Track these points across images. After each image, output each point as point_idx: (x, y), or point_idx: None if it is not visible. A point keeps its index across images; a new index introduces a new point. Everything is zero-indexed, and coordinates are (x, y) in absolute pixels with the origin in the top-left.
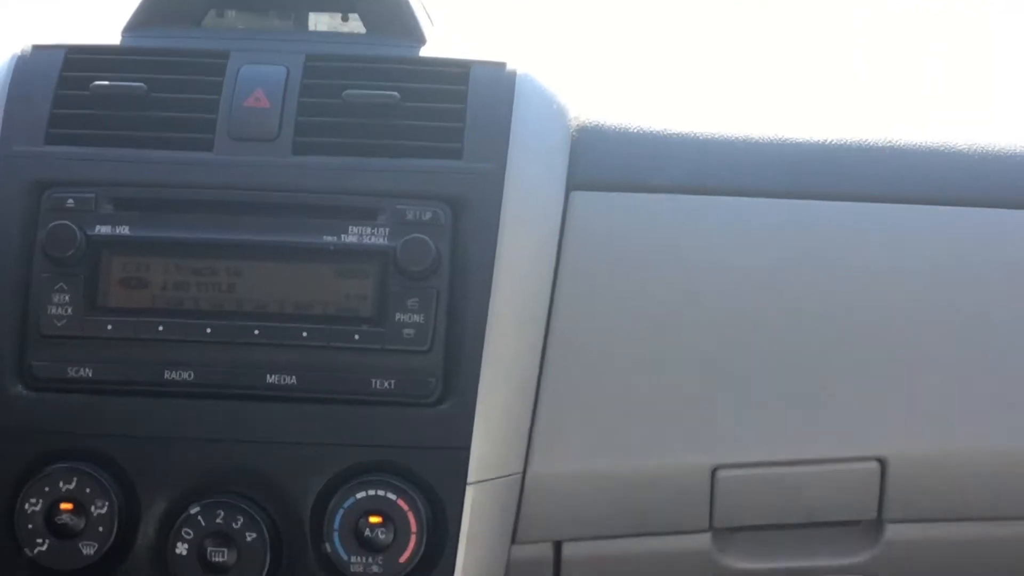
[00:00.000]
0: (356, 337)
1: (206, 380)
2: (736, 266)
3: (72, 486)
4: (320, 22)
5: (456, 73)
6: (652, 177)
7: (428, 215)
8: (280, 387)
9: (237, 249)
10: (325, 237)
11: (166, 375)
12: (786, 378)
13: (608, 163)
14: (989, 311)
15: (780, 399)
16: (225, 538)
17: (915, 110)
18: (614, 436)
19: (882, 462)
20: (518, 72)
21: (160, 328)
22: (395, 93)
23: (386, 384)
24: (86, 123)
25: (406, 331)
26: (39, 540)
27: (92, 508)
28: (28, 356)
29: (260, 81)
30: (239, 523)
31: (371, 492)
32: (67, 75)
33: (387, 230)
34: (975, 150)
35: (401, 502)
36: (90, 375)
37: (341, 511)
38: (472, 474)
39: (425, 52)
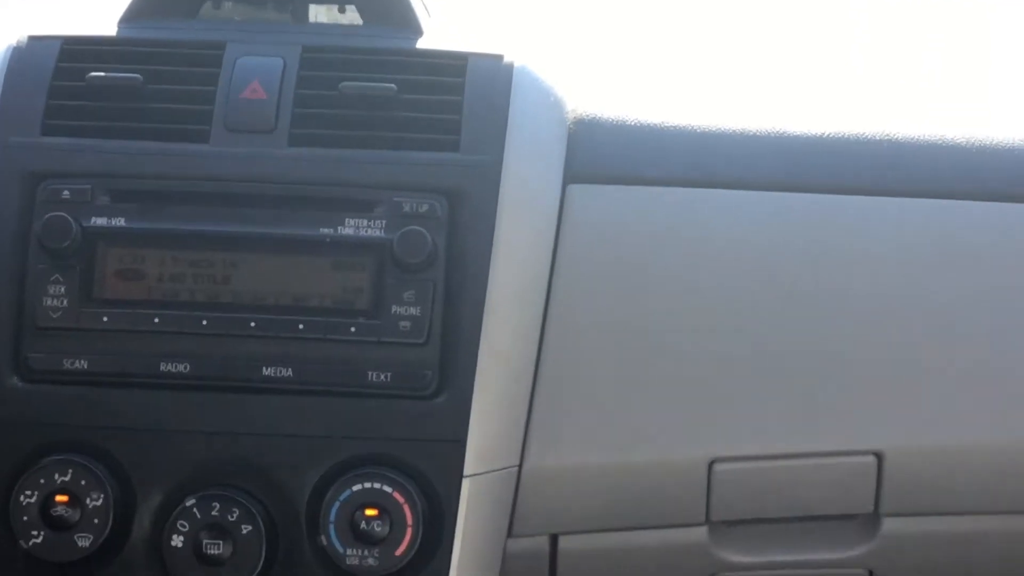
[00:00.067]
0: (352, 330)
1: (202, 372)
2: (733, 259)
3: (67, 478)
4: (317, 13)
5: (453, 65)
6: (649, 170)
7: (425, 207)
8: (276, 379)
9: (233, 241)
10: (321, 229)
11: (162, 367)
12: (783, 371)
13: (605, 156)
14: (987, 305)
15: (777, 392)
16: (221, 530)
17: (913, 103)
18: (611, 429)
19: (879, 456)
20: (515, 64)
21: (156, 320)
22: (392, 85)
23: (382, 377)
24: (82, 114)
25: (402, 324)
26: (34, 532)
27: (87, 500)
28: (24, 348)
29: (257, 72)
30: (235, 515)
31: (367, 485)
32: (63, 66)
33: (384, 222)
34: (973, 143)
35: (397, 495)
36: (86, 367)
37: (337, 504)
38: (468, 467)
39: (422, 44)
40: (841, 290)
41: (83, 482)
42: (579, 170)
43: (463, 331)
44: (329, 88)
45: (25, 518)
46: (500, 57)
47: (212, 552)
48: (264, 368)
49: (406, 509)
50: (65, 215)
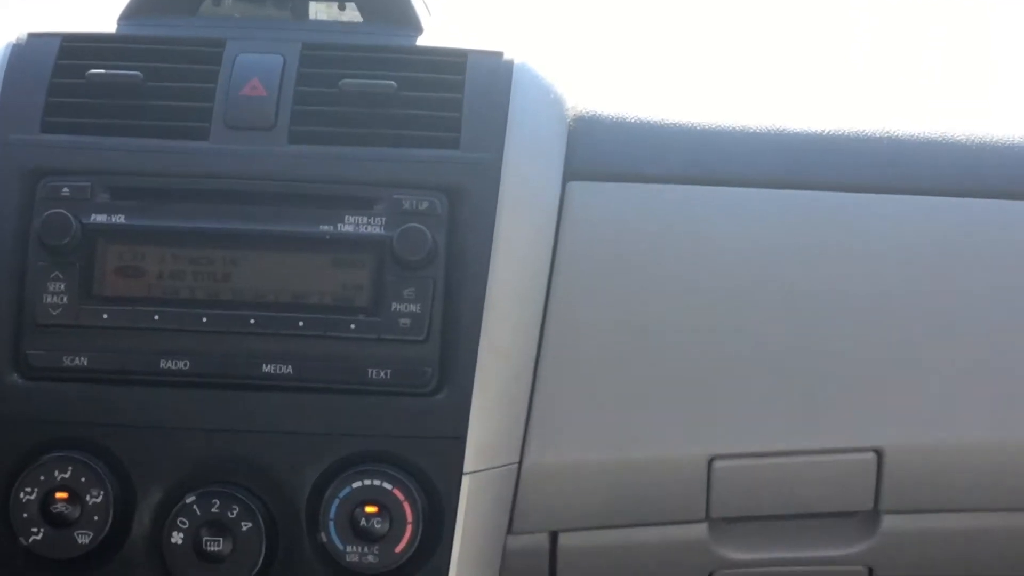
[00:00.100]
0: (352, 327)
1: (202, 369)
2: (733, 257)
3: (67, 475)
4: (317, 11)
5: (453, 62)
6: (649, 167)
7: (425, 204)
8: (276, 377)
9: (233, 238)
10: (321, 226)
11: (162, 364)
12: (783, 368)
13: (605, 153)
14: (986, 302)
15: (777, 389)
16: (221, 527)
17: (913, 100)
18: (611, 426)
19: (879, 453)
20: (515, 61)
21: (156, 317)
22: (392, 82)
23: (382, 374)
24: (82, 111)
25: (402, 321)
26: (34, 529)
27: (87, 497)
28: (23, 345)
29: (257, 70)
30: (235, 512)
31: (367, 482)
32: (63, 63)
33: (384, 219)
34: (973, 141)
35: (397, 492)
36: (85, 364)
37: (337, 501)
38: (468, 464)
39: (422, 41)
40: (841, 287)
41: (83, 479)
42: (579, 167)
43: (463, 328)
44: (329, 85)
45: (25, 515)
46: (500, 54)
47: (212, 549)
48: (264, 365)
49: (406, 506)
50: (65, 212)
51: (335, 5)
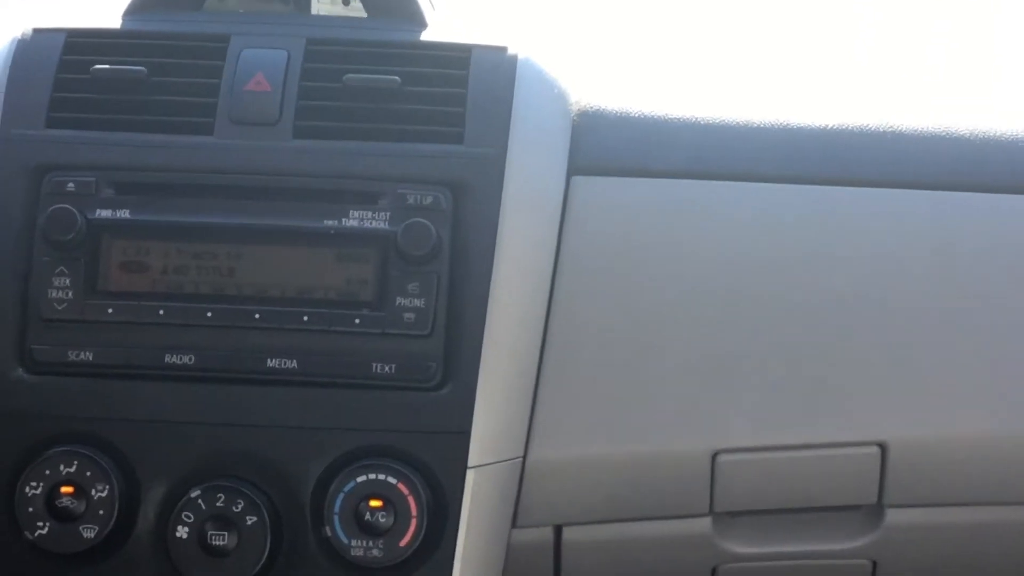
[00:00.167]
0: (357, 321)
1: (207, 364)
2: (737, 251)
3: (72, 469)
4: (321, 6)
5: (457, 57)
6: (653, 162)
7: (429, 199)
8: (281, 371)
9: (238, 233)
10: (326, 221)
11: (166, 359)
12: (787, 362)
13: (609, 148)
14: (990, 296)
15: (781, 384)
16: (226, 522)
17: (917, 95)
18: (615, 421)
19: (883, 447)
20: (519, 56)
21: (161, 312)
22: (396, 77)
23: (387, 368)
24: (87, 107)
25: (407, 315)
26: (40, 523)
27: (92, 491)
28: (28, 340)
29: (261, 65)
30: (240, 507)
31: (371, 476)
32: (68, 59)
33: (388, 214)
34: (976, 135)
35: (401, 486)
36: (90, 359)
37: (341, 495)
38: (472, 458)
39: (426, 36)
40: (844, 282)
41: (88, 473)
42: (583, 162)
43: (467, 323)
44: (333, 80)
45: (30, 509)
46: (504, 49)
47: (217, 543)
48: (269, 360)
49: (410, 500)
50: (70, 207)
51: (339, 0)
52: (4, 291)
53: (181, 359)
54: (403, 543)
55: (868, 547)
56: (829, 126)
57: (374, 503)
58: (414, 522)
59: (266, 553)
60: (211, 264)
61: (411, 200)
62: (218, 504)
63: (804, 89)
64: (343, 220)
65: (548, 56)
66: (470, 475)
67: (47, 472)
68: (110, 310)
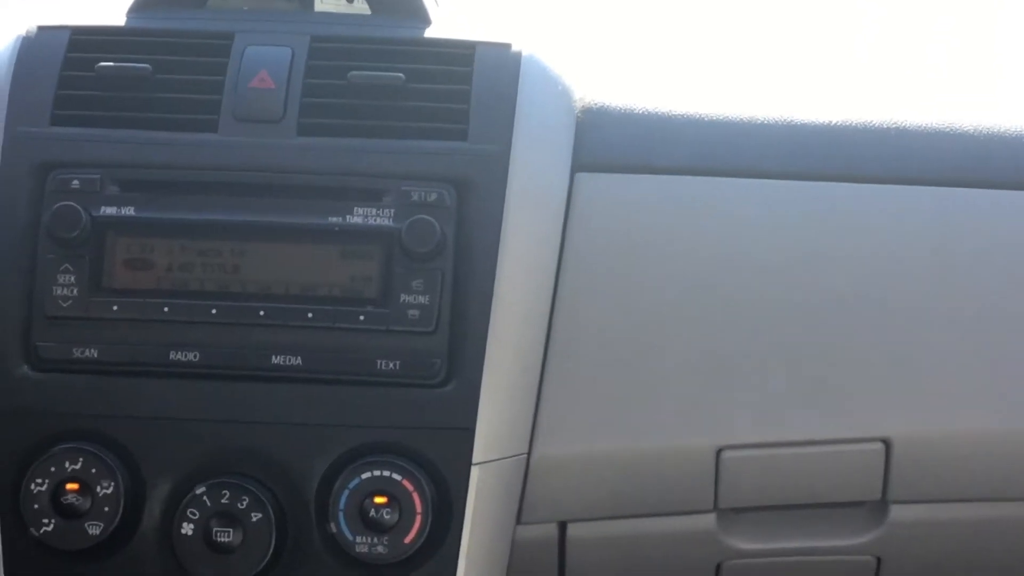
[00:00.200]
0: (361, 318)
1: (211, 361)
2: (740, 247)
3: (78, 466)
4: (325, 3)
5: (461, 54)
6: (657, 158)
7: (433, 196)
8: (285, 368)
9: (242, 230)
10: (330, 218)
11: (171, 356)
12: (791, 359)
13: (613, 144)
14: (993, 292)
15: (785, 380)
16: (231, 518)
17: (919, 92)
18: (619, 417)
19: (887, 443)
20: (523, 53)
21: (165, 309)
22: (400, 74)
23: (391, 365)
24: (91, 104)
25: (411, 312)
26: (45, 520)
27: (98, 488)
28: (33, 337)
29: (265, 62)
30: (244, 503)
31: (376, 473)
32: (72, 56)
33: (392, 211)
34: (980, 131)
35: (406, 483)
36: (95, 356)
37: (346, 492)
38: (477, 455)
39: (430, 33)
40: (848, 277)
41: (93, 470)
42: (587, 159)
43: (471, 320)
44: (337, 77)
45: (36, 506)
46: (508, 46)
47: (222, 540)
48: (273, 356)
49: (415, 497)
50: (74, 205)
51: None
52: (9, 289)
53: (186, 356)
54: (408, 540)
55: (872, 543)
56: (833, 122)
57: (379, 500)
58: (419, 519)
59: (271, 550)
60: (216, 261)
61: (415, 197)
62: (223, 501)
63: (807, 85)
64: (347, 217)
65: (552, 53)
66: (474, 472)
67: (52, 469)
68: (115, 307)
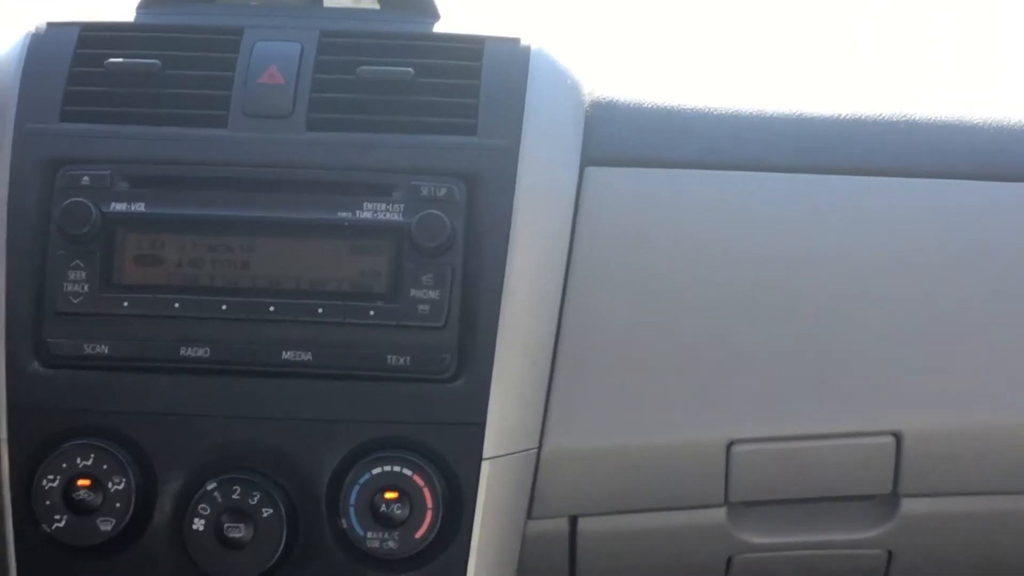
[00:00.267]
0: (371, 313)
1: (222, 357)
2: (750, 241)
3: (89, 463)
4: None
5: (470, 49)
6: (667, 152)
7: (443, 191)
8: (296, 363)
9: (252, 226)
10: (340, 213)
11: (182, 352)
12: (801, 352)
13: (622, 138)
14: (1005, 285)
15: (795, 373)
16: (242, 514)
17: (927, 86)
18: (629, 411)
19: (897, 436)
20: (532, 47)
21: (176, 305)
22: (409, 69)
23: (401, 360)
24: (101, 100)
25: (421, 307)
26: (57, 516)
27: (109, 484)
28: (44, 333)
29: (274, 57)
30: (255, 499)
31: (387, 468)
32: (81, 52)
33: (402, 206)
34: (990, 123)
35: (417, 478)
36: (106, 352)
37: (357, 487)
38: (488, 449)
39: (439, 28)
40: (859, 271)
41: (105, 466)
42: (596, 153)
43: (481, 314)
44: (347, 73)
45: (47, 502)
46: (517, 40)
47: (233, 535)
48: (284, 352)
49: (426, 492)
50: (85, 201)
51: None
52: (20, 285)
53: (196, 352)
54: (419, 535)
55: (883, 537)
56: (842, 115)
57: (389, 495)
58: (429, 514)
59: (282, 545)
60: (225, 257)
61: (425, 192)
62: (234, 496)
63: (816, 79)
64: (357, 212)
65: (561, 47)
66: (485, 466)
67: (64, 465)
68: (125, 303)
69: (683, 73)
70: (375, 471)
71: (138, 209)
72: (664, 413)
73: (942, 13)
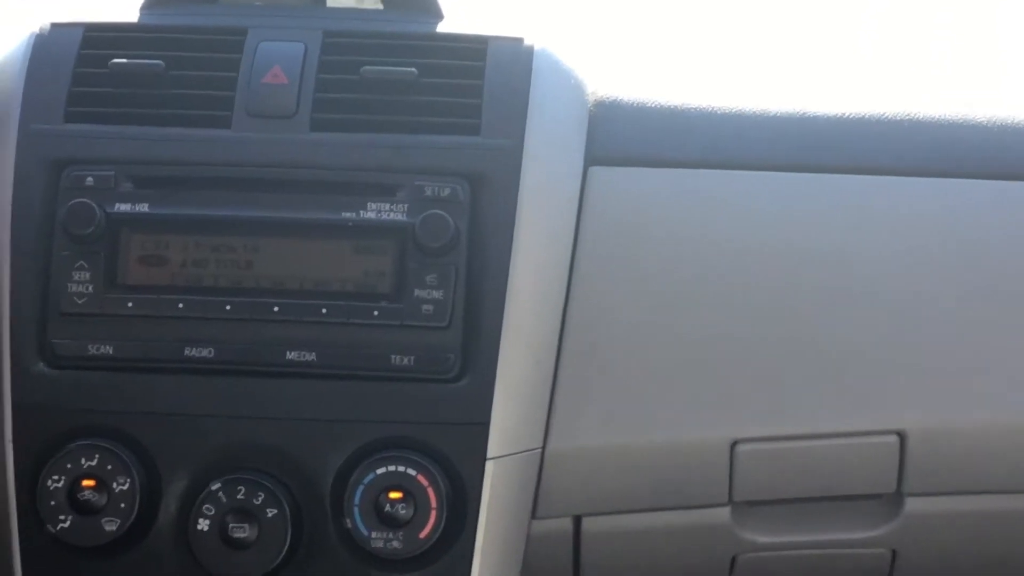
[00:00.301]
0: (375, 313)
1: (226, 357)
2: (753, 240)
3: (94, 463)
4: None
5: (474, 49)
6: (670, 152)
7: (447, 191)
8: (300, 363)
9: (255, 226)
10: (343, 213)
11: (186, 352)
12: (805, 351)
13: (626, 138)
14: (1008, 283)
15: (799, 373)
16: (246, 514)
17: (930, 84)
18: (633, 411)
19: (902, 435)
20: (535, 47)
21: (180, 305)
22: (413, 69)
23: (405, 360)
24: (105, 101)
25: (425, 307)
26: (62, 517)
27: (114, 485)
28: (49, 334)
29: (278, 58)
30: (260, 499)
31: (391, 468)
32: (85, 53)
33: (406, 206)
34: (994, 123)
35: (421, 478)
36: (111, 352)
37: (361, 487)
38: (492, 449)
39: (442, 28)
40: (862, 270)
41: (109, 467)
42: (600, 153)
43: (485, 314)
44: (350, 73)
45: (52, 503)
46: (520, 40)
47: (238, 536)
48: (288, 352)
49: (430, 492)
50: (89, 201)
51: None
52: (24, 286)
53: (200, 352)
54: (423, 535)
55: (888, 536)
56: (845, 114)
57: (394, 495)
58: (434, 514)
59: (287, 545)
60: (229, 257)
61: (428, 192)
62: (239, 497)
63: (818, 79)
64: (361, 212)
65: (564, 47)
66: (489, 466)
67: (69, 466)
68: (130, 304)
69: (686, 73)
70: (379, 471)
71: (142, 209)
72: (668, 412)
73: (942, 13)
